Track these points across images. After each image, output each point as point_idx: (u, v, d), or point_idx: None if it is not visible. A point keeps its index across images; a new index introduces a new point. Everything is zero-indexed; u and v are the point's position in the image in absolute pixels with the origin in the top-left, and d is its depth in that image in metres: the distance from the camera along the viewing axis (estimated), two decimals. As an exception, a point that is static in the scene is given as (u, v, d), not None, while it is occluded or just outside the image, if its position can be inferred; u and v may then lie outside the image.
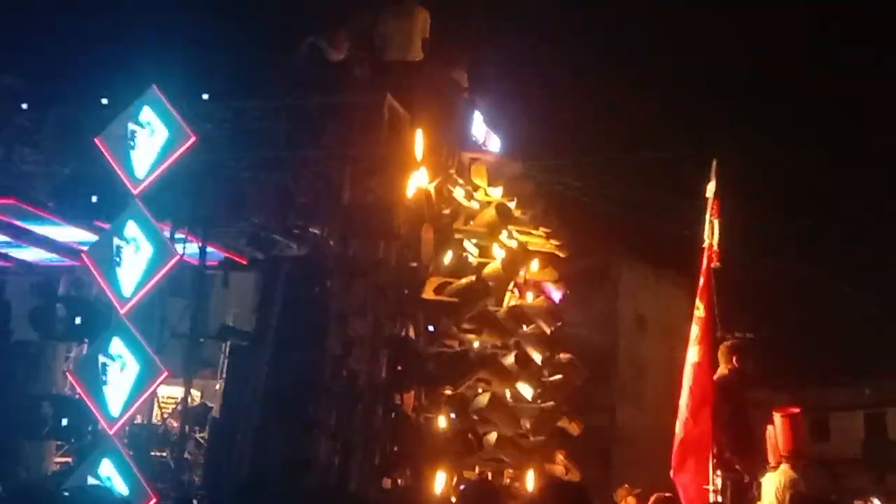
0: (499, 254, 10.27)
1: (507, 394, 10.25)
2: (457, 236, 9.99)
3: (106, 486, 7.30)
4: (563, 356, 10.91)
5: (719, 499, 7.67)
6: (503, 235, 10.40)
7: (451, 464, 8.88)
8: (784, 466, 7.71)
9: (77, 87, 9.95)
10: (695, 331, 8.29)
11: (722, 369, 8.08)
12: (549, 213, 10.87)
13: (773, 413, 7.72)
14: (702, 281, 8.42)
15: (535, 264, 10.97)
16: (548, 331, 10.35)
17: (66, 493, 6.13)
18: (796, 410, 7.98)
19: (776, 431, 7.78)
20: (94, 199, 8.95)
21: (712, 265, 8.44)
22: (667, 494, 8.03)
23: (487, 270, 9.69)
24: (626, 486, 11.96)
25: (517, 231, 10.78)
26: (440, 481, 8.72)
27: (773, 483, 7.64)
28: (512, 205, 10.15)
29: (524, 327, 10.36)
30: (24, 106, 9.96)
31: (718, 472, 7.75)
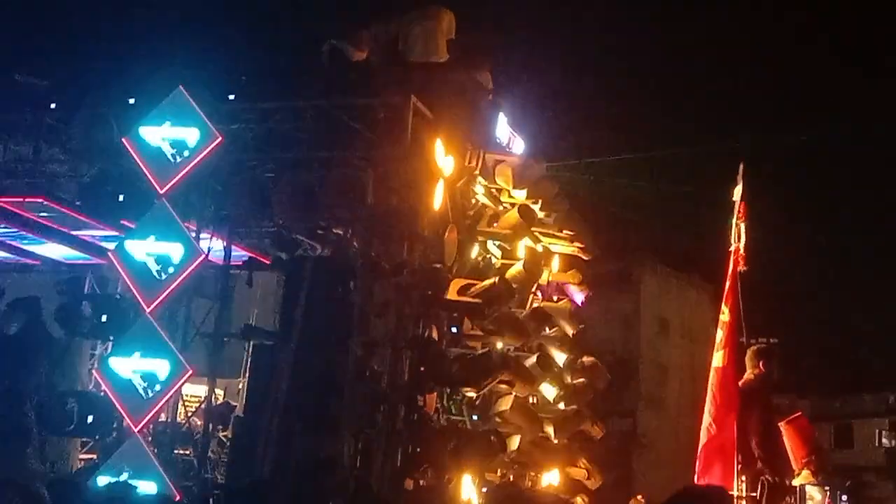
0: (522, 256, 10.25)
1: (530, 397, 10.22)
2: (480, 238, 9.98)
3: (131, 483, 7.34)
4: (586, 359, 10.87)
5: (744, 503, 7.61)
6: (526, 237, 10.37)
7: (474, 466, 8.85)
8: (805, 472, 7.65)
9: (104, 88, 10.04)
10: (720, 335, 8.25)
11: (748, 374, 8.02)
12: (573, 215, 10.84)
13: (780, 424, 7.66)
14: (728, 285, 8.37)
15: (557, 266, 10.94)
16: (570, 333, 10.31)
17: (100, 490, 6.18)
18: (798, 415, 7.92)
19: (788, 442, 7.73)
20: (120, 198, 9.01)
21: (738, 269, 8.39)
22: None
23: (510, 272, 9.67)
24: (639, 496, 11.88)
25: (540, 233, 10.75)
26: (463, 483, 8.70)
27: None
28: (536, 207, 10.13)
29: (547, 329, 10.33)
30: (52, 106, 10.06)
31: (744, 478, 7.69)
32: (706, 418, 8.04)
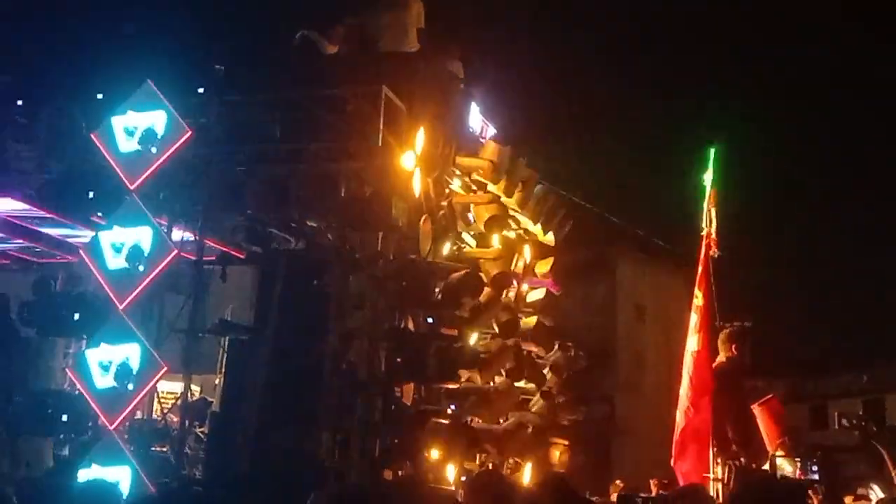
0: (496, 244, 10.27)
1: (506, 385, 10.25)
2: (454, 230, 9.98)
3: (108, 481, 7.28)
4: (562, 345, 10.94)
5: (720, 486, 7.69)
6: (501, 227, 10.39)
7: (452, 454, 8.88)
8: (779, 453, 7.73)
9: (71, 83, 9.91)
10: (694, 319, 8.31)
11: (721, 357, 8.09)
12: (546, 202, 10.87)
13: (752, 407, 7.74)
14: (700, 269, 8.43)
15: (532, 254, 10.98)
16: (546, 321, 10.36)
17: (73, 487, 6.12)
18: (770, 397, 8.01)
19: (761, 424, 7.81)
20: (90, 194, 8.92)
21: (711, 253, 8.46)
22: (665, 481, 8.06)
23: (484, 261, 9.69)
24: (617, 482, 11.98)
25: (515, 222, 10.77)
26: (442, 472, 8.73)
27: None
28: (509, 196, 10.14)
29: (522, 317, 10.37)
30: (19, 102, 9.92)
31: (719, 460, 7.77)
32: (682, 402, 8.11)
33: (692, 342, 8.20)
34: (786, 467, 5.60)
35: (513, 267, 10.49)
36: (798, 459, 5.60)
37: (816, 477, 5.43)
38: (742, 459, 7.72)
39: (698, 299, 8.30)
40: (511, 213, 10.48)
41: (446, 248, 9.61)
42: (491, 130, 10.69)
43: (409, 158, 8.86)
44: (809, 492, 5.49)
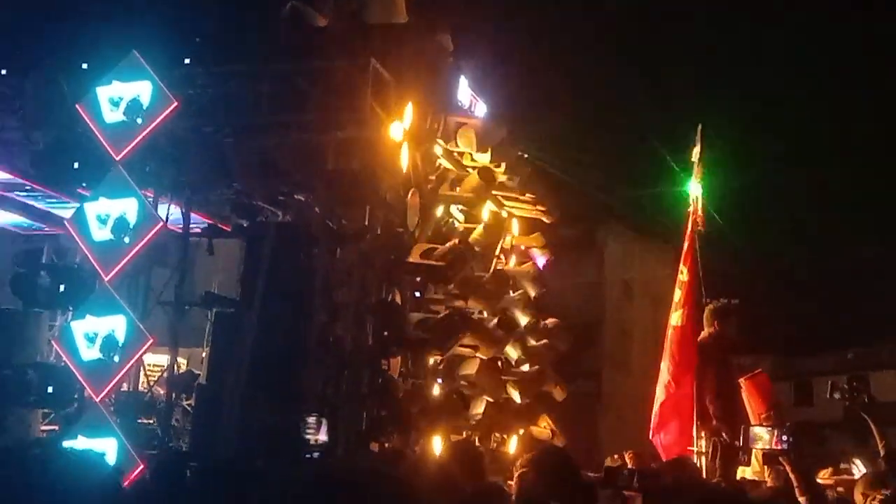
0: (485, 219, 10.26)
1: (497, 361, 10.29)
2: (442, 202, 9.96)
3: (93, 451, 7.28)
4: (550, 321, 10.96)
5: (703, 460, 7.75)
6: (488, 201, 10.38)
7: (439, 427, 8.92)
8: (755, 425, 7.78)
9: (57, 53, 9.79)
10: (678, 294, 8.35)
11: (705, 333, 8.13)
12: (535, 179, 10.85)
13: (740, 381, 7.79)
14: (686, 245, 8.46)
15: (519, 229, 10.98)
16: (533, 295, 10.38)
17: (53, 457, 6.09)
18: (759, 371, 8.06)
19: (747, 397, 7.86)
20: (75, 165, 8.85)
21: (697, 229, 8.48)
22: (639, 452, 8.12)
23: (472, 235, 9.69)
24: (615, 456, 12.04)
25: (503, 196, 10.76)
26: (428, 444, 8.77)
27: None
28: (498, 170, 10.12)
29: (510, 293, 10.39)
30: (3, 72, 9.80)
31: (703, 434, 7.82)
32: (663, 376, 8.16)
33: (675, 317, 8.24)
34: (762, 436, 5.65)
35: (501, 241, 10.49)
36: (773, 429, 5.66)
37: (787, 447, 5.49)
38: (724, 435, 7.78)
39: (683, 275, 8.33)
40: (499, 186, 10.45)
41: (436, 217, 9.59)
42: (480, 105, 10.65)
43: (397, 131, 8.82)
44: (782, 460, 5.55)
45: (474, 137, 9.75)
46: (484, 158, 9.95)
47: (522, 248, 11.30)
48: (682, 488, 5.00)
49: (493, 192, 10.16)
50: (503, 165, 10.17)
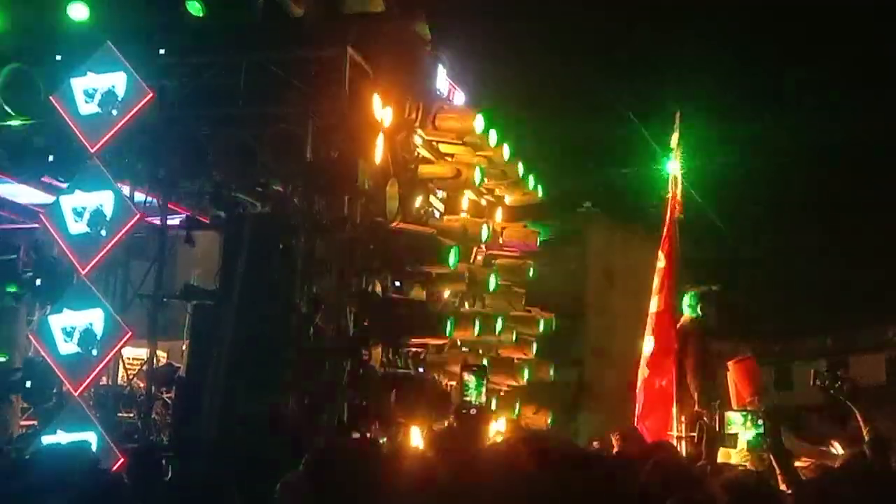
0: (465, 208, 10.26)
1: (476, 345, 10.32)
2: (422, 190, 9.94)
3: (72, 445, 7.23)
4: (534, 311, 11.01)
5: (683, 444, 7.80)
6: (469, 189, 10.38)
7: (421, 417, 8.93)
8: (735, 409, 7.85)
9: (30, 44, 9.66)
10: (656, 281, 8.39)
11: (684, 318, 8.18)
12: (516, 163, 10.86)
13: (727, 363, 7.84)
14: (665, 231, 8.50)
15: (500, 215, 11.00)
16: (516, 283, 10.40)
17: (29, 458, 6.05)
18: (748, 356, 8.13)
19: (734, 381, 7.92)
20: (50, 158, 8.77)
21: (675, 216, 8.52)
22: (626, 431, 8.16)
23: (452, 224, 9.69)
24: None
25: (485, 187, 10.76)
26: (410, 434, 8.78)
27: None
28: (477, 159, 10.11)
29: (492, 278, 10.39)
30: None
31: (683, 418, 7.88)
32: (644, 361, 8.21)
33: (654, 303, 8.28)
34: (735, 420, 5.71)
35: (481, 231, 10.48)
36: (746, 413, 5.72)
37: (762, 430, 5.54)
38: (705, 418, 7.83)
39: (661, 261, 8.38)
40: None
41: (415, 206, 9.58)
42: (459, 94, 10.62)
43: (375, 121, 8.79)
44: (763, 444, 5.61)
45: (453, 125, 9.75)
46: (462, 147, 9.95)
47: (505, 234, 11.28)
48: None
49: (474, 179, 10.08)
50: (482, 153, 10.17)
